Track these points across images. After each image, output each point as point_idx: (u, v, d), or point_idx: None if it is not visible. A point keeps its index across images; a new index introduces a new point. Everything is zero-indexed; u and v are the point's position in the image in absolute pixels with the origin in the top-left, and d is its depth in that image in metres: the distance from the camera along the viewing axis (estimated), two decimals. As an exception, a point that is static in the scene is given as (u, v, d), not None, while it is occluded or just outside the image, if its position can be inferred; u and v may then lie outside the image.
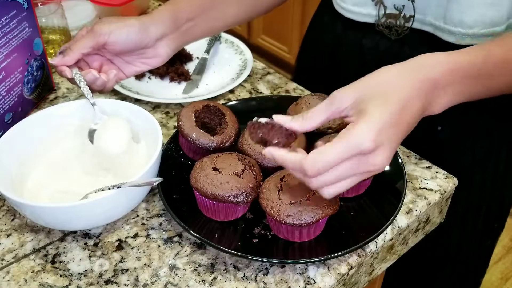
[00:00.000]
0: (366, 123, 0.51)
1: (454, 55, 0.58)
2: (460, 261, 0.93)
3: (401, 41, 0.78)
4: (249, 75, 0.95)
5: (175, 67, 0.96)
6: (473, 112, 0.78)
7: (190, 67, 0.99)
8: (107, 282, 0.60)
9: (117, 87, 0.89)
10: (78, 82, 0.73)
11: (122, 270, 0.61)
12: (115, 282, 0.60)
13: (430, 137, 0.82)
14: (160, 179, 0.63)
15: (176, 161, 0.72)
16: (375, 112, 0.51)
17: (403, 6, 0.75)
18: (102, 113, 0.74)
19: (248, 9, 0.84)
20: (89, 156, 0.74)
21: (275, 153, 0.55)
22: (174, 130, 0.80)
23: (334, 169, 0.52)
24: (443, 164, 0.75)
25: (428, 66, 0.56)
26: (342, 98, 0.54)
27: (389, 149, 0.52)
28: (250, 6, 0.84)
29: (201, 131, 0.71)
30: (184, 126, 0.71)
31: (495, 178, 0.84)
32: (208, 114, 0.73)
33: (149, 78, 0.96)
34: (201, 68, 0.98)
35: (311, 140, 0.72)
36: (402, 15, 0.76)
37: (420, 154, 0.78)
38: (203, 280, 0.60)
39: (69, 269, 0.62)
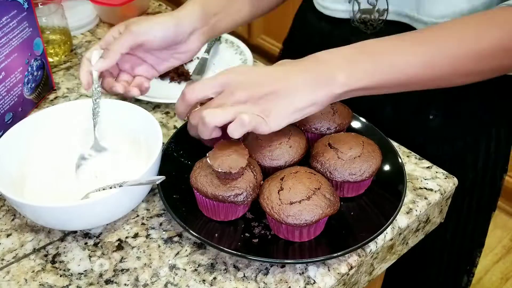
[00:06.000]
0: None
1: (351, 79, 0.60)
2: (455, 245, 0.94)
3: (377, 35, 0.79)
4: (249, 75, 0.95)
5: (175, 67, 0.96)
6: (461, 100, 0.79)
7: (191, 67, 0.99)
8: (107, 282, 0.60)
9: (117, 87, 0.89)
10: (94, 99, 0.72)
11: (122, 270, 0.61)
12: (115, 282, 0.60)
13: (422, 126, 0.83)
14: (162, 177, 0.63)
15: (176, 161, 0.72)
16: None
17: (377, 0, 0.76)
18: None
19: (258, 6, 0.85)
20: (89, 156, 0.74)
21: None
22: (174, 130, 0.80)
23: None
24: (436, 151, 0.76)
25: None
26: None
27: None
28: (260, 2, 0.85)
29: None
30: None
31: (487, 157, 0.86)
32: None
33: (149, 78, 0.96)
34: (201, 68, 0.97)
35: (311, 140, 0.73)
36: (376, 9, 0.77)
37: (413, 144, 0.79)
38: (203, 280, 0.60)
39: (69, 269, 0.62)
